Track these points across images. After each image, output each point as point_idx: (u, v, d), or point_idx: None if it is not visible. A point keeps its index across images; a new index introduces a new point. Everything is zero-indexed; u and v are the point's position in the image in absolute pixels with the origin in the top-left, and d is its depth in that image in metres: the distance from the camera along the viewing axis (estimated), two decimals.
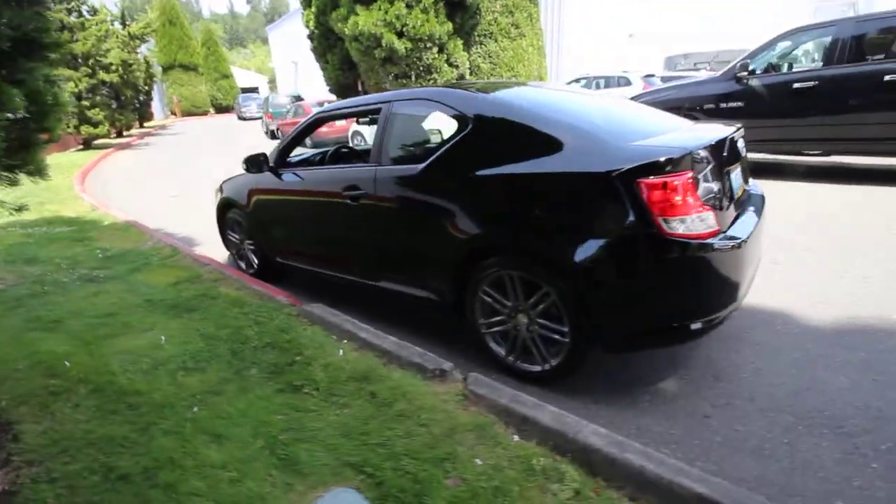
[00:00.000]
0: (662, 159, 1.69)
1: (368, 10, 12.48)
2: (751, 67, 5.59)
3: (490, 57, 14.91)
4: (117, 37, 18.20)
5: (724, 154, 1.95)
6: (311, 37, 15.95)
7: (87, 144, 15.87)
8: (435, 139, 2.82)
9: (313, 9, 14.89)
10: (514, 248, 2.02)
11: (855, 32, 4.98)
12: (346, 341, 2.53)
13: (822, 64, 5.22)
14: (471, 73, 14.66)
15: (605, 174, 1.74)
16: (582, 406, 1.98)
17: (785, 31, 5.55)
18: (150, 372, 2.27)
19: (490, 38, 14.84)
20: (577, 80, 14.73)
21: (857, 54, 5.03)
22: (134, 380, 2.18)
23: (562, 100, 2.36)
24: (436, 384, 2.09)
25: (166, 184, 9.39)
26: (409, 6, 12.38)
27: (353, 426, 1.87)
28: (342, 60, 15.40)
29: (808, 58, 5.80)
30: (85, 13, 15.57)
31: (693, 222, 1.71)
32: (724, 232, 1.84)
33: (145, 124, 26.00)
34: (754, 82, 5.58)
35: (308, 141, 13.29)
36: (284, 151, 3.23)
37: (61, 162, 12.27)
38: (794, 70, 5.59)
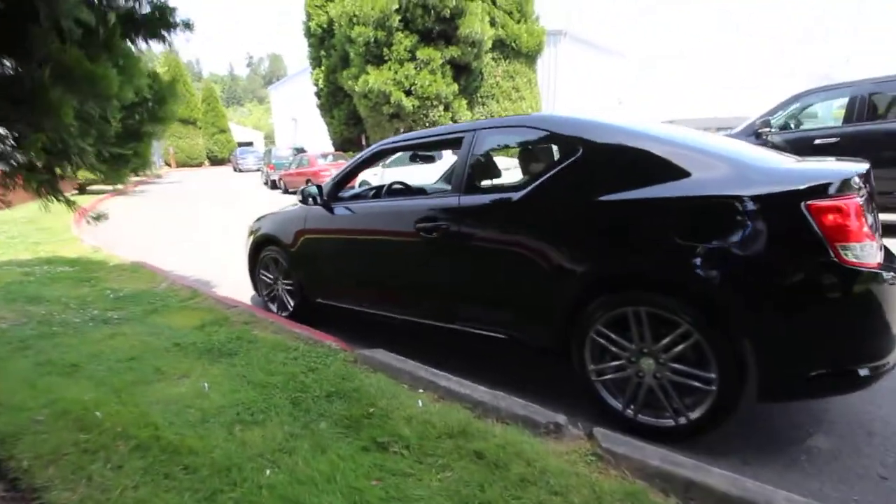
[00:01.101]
0: (830, 182, 1.54)
1: (379, 69, 12.98)
2: (772, 124, 5.76)
3: (492, 116, 15.48)
4: None
5: (869, 185, 1.81)
6: (318, 94, 16.46)
7: (82, 190, 15.58)
8: (525, 167, 2.65)
9: (323, 68, 15.49)
10: (647, 280, 1.79)
11: (873, 92, 5.19)
12: (421, 390, 2.20)
13: (842, 121, 5.40)
14: None
15: (765, 196, 1.56)
16: (732, 468, 1.67)
17: (800, 92, 5.78)
18: (200, 425, 1.90)
19: (492, 99, 15.50)
20: None
21: (875, 112, 5.23)
22: (183, 435, 1.80)
23: (668, 127, 2.24)
24: (552, 441, 1.77)
25: (168, 229, 9.08)
26: (417, 68, 12.93)
27: (467, 494, 1.53)
28: (348, 116, 15.83)
29: (821, 116, 6.03)
30: None
31: (865, 250, 1.53)
32: (885, 264, 1.66)
33: (139, 173, 26.02)
34: (775, 138, 5.72)
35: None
36: (339, 185, 3.04)
37: (54, 206, 11.89)
38: (811, 127, 5.76)
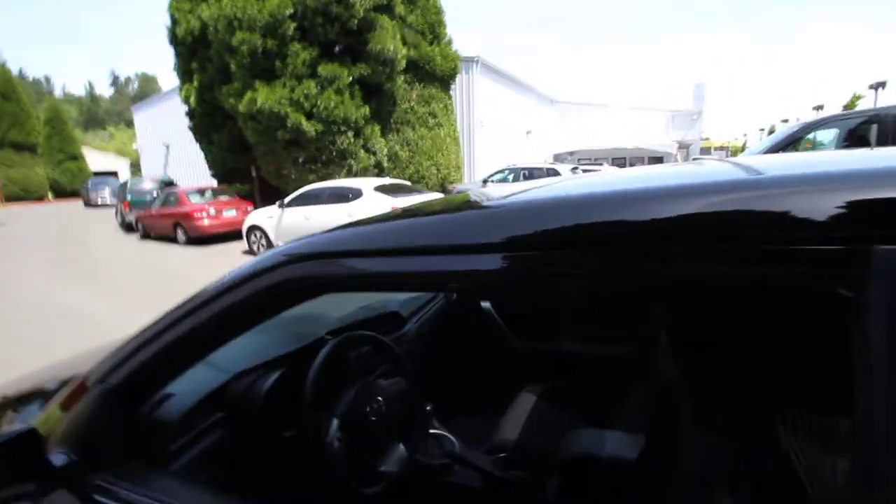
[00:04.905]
0: None
1: (270, 86, 10.51)
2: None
3: (408, 144, 13.73)
4: None
5: None
6: (190, 114, 13.32)
7: None
8: None
9: (196, 83, 12.50)
10: None
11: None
12: None
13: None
14: (389, 161, 13.23)
15: None
16: None
17: (814, 120, 4.83)
18: None
19: (408, 125, 13.78)
20: (502, 171, 14.10)
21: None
22: None
23: None
24: None
25: None
26: (320, 86, 10.74)
27: None
28: (231, 142, 12.93)
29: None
30: None
31: None
32: None
33: None
34: None
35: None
36: None
37: None
38: None
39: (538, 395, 1.49)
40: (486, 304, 1.77)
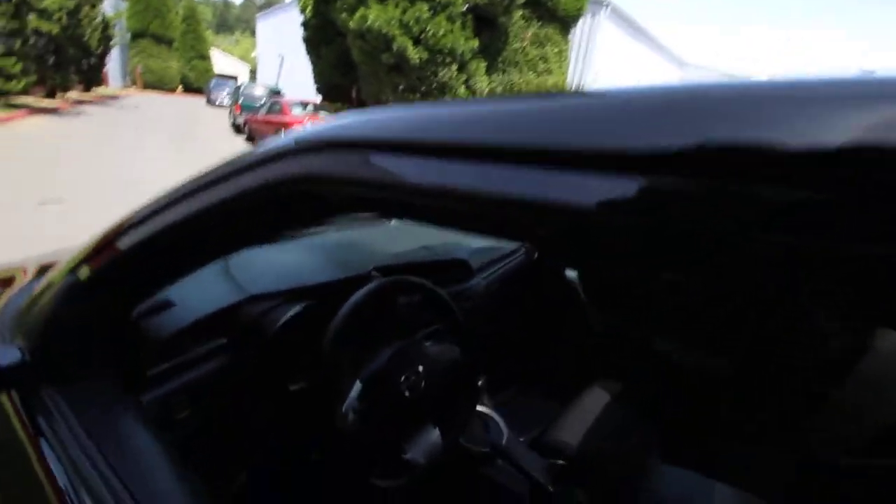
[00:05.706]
0: None
1: (383, 4, 10.17)
2: None
3: (511, 88, 12.90)
4: None
5: None
6: (305, 25, 13.47)
7: None
8: None
9: None
10: None
11: None
12: None
13: None
14: None
15: None
16: None
17: None
18: None
19: (514, 67, 12.86)
20: None
21: None
22: None
23: None
24: None
25: (53, 178, 6.44)
26: (433, 10, 10.20)
27: None
28: (338, 58, 12.96)
29: None
30: None
31: None
32: None
33: (93, 90, 22.43)
34: None
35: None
36: None
37: None
38: None
39: (616, 397, 1.19)
40: (571, 274, 1.46)
